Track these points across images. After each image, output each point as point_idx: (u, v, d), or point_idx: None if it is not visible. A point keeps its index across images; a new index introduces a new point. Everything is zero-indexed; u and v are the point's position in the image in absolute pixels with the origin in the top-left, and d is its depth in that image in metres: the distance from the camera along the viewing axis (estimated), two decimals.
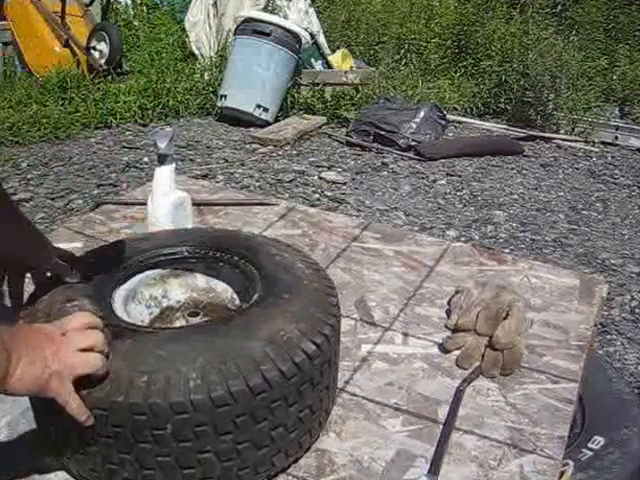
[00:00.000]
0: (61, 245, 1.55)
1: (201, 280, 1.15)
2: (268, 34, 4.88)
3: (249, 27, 4.95)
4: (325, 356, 0.97)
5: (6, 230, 1.05)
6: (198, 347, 0.89)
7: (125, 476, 0.89)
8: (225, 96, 4.95)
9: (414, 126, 4.60)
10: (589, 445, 1.69)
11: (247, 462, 0.91)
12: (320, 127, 4.96)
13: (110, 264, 1.10)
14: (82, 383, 0.85)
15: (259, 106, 4.87)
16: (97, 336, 0.87)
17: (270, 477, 0.96)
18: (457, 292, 1.38)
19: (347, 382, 1.18)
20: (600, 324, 2.62)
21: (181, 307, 1.14)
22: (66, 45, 5.40)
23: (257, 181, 3.99)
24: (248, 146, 4.59)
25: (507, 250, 3.27)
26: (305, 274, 1.07)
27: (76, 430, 0.86)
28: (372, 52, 6.26)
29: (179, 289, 1.15)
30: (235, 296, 1.12)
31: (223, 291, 1.14)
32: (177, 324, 1.12)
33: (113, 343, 0.89)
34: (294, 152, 4.53)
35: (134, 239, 1.24)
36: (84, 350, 0.85)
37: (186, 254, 1.15)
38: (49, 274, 1.08)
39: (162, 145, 1.44)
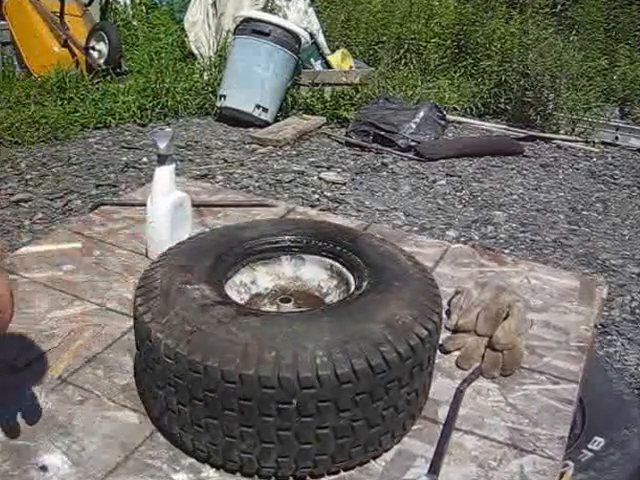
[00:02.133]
0: (60, 246, 1.56)
1: (288, 268, 1.20)
2: (267, 34, 4.88)
3: (248, 27, 4.95)
4: (433, 342, 1.02)
5: None
6: (323, 327, 0.94)
7: (243, 449, 0.93)
8: (224, 96, 4.94)
9: (414, 126, 4.60)
10: (589, 446, 1.69)
11: (359, 440, 0.95)
12: (319, 127, 4.96)
13: (220, 251, 1.14)
14: None
15: (258, 106, 4.87)
16: None
17: (376, 457, 1.00)
18: (457, 293, 1.38)
19: None
20: (600, 325, 2.62)
21: (269, 294, 1.18)
22: (65, 45, 5.39)
23: (256, 181, 3.99)
24: (247, 146, 4.59)
25: (507, 251, 3.27)
26: (408, 265, 1.13)
27: (203, 403, 0.91)
28: (372, 52, 6.26)
29: (267, 277, 1.19)
30: (322, 284, 1.17)
31: (310, 280, 1.19)
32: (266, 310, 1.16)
33: (240, 319, 0.94)
34: (293, 152, 4.53)
35: (238, 227, 1.28)
36: None
37: (289, 243, 1.20)
38: None
39: (162, 145, 1.43)
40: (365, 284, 1.06)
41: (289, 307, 1.12)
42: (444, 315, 1.36)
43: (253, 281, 1.18)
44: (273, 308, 1.15)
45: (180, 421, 0.96)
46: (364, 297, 1.02)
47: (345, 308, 1.00)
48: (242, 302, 1.14)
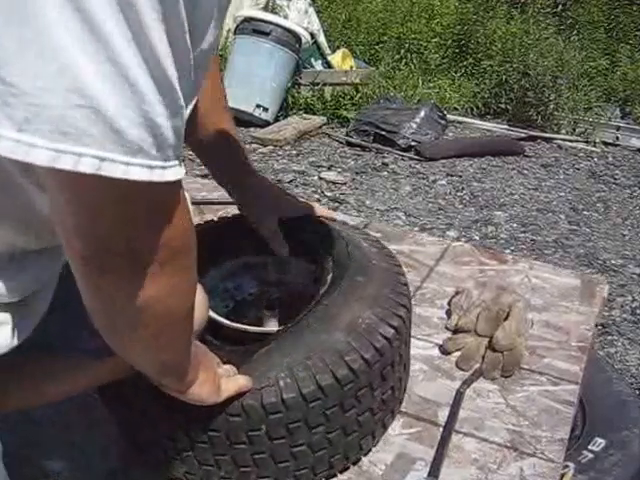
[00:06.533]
0: None
1: (272, 274, 1.17)
2: (268, 34, 4.87)
3: (249, 26, 4.94)
4: (402, 337, 0.97)
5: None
6: (283, 347, 0.89)
7: (222, 475, 0.91)
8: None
9: (414, 126, 4.59)
10: (590, 447, 1.68)
11: (338, 449, 0.93)
12: (320, 127, 4.95)
13: None
14: None
15: (259, 106, 4.86)
16: None
17: (357, 460, 0.99)
18: (457, 293, 1.37)
19: None
20: (601, 325, 2.61)
21: (254, 300, 1.16)
22: None
23: None
24: (248, 146, 4.58)
25: (507, 251, 3.26)
26: (372, 252, 1.07)
27: (171, 439, 0.88)
28: (372, 52, 6.25)
29: (251, 282, 1.17)
30: (305, 289, 1.13)
31: (293, 284, 1.16)
32: (251, 317, 1.13)
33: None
34: (294, 152, 4.52)
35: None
36: None
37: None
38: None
39: None
40: (329, 278, 1.01)
41: (274, 313, 1.09)
42: (444, 314, 1.36)
43: (237, 287, 1.15)
44: (259, 315, 1.12)
45: (155, 453, 0.94)
46: (325, 298, 0.96)
47: (304, 321, 0.94)
48: (227, 310, 1.12)
